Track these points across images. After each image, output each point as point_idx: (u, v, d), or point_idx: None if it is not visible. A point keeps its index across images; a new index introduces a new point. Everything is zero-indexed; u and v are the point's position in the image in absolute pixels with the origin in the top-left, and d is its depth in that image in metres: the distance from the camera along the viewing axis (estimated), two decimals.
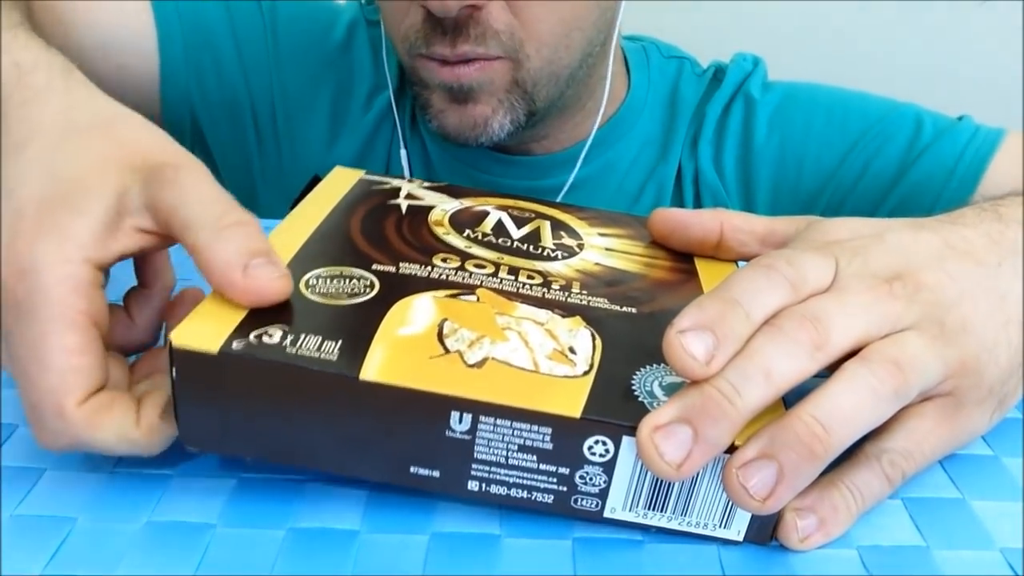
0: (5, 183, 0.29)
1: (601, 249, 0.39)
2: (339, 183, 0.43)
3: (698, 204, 0.65)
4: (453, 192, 0.44)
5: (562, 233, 0.40)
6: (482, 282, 0.34)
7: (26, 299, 0.27)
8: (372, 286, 0.32)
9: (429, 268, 0.34)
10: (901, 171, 0.60)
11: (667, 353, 0.27)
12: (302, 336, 0.28)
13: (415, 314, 0.31)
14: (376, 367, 0.28)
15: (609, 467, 0.28)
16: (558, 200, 0.63)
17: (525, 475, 0.28)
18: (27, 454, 0.31)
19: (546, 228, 0.41)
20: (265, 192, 0.69)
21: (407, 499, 0.30)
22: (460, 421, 0.28)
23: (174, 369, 0.28)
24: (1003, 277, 0.31)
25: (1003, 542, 0.30)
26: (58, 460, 0.30)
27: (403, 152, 0.66)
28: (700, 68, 0.69)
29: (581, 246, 0.39)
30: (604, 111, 0.64)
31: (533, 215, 0.42)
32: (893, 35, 1.19)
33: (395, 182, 0.44)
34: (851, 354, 0.28)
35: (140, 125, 0.32)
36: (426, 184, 0.44)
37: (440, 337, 0.30)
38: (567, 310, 0.33)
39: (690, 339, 0.26)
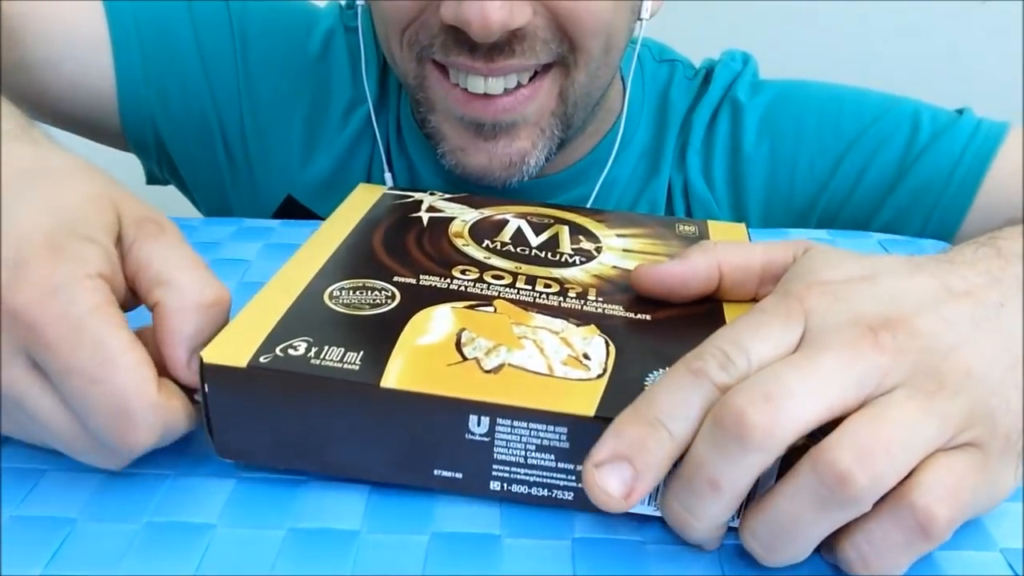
0: None
1: (619, 251, 0.40)
2: (363, 199, 0.44)
3: (689, 217, 0.62)
4: (474, 203, 0.45)
5: (580, 237, 0.41)
6: (499, 293, 0.35)
7: (65, 314, 0.26)
8: (393, 297, 0.33)
9: (448, 280, 0.35)
10: (899, 175, 0.57)
11: (585, 488, 0.26)
12: (325, 347, 0.29)
13: (434, 324, 0.32)
14: (396, 375, 0.29)
15: None
16: None
17: (545, 474, 0.29)
18: (27, 455, 0.31)
19: (564, 233, 0.42)
20: (240, 210, 0.65)
21: (407, 499, 0.30)
22: (478, 424, 0.28)
23: (206, 385, 0.29)
24: (1006, 317, 0.28)
25: (1003, 542, 0.30)
26: (58, 461, 0.30)
27: (388, 176, 0.61)
28: (692, 71, 0.65)
29: (599, 249, 0.40)
30: (600, 128, 0.61)
31: (552, 221, 0.43)
32: (893, 35, 1.19)
33: (417, 195, 0.45)
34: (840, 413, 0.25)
35: (113, 180, 0.32)
36: (446, 196, 0.45)
37: (458, 346, 0.31)
38: (582, 319, 0.33)
39: (605, 474, 0.25)
